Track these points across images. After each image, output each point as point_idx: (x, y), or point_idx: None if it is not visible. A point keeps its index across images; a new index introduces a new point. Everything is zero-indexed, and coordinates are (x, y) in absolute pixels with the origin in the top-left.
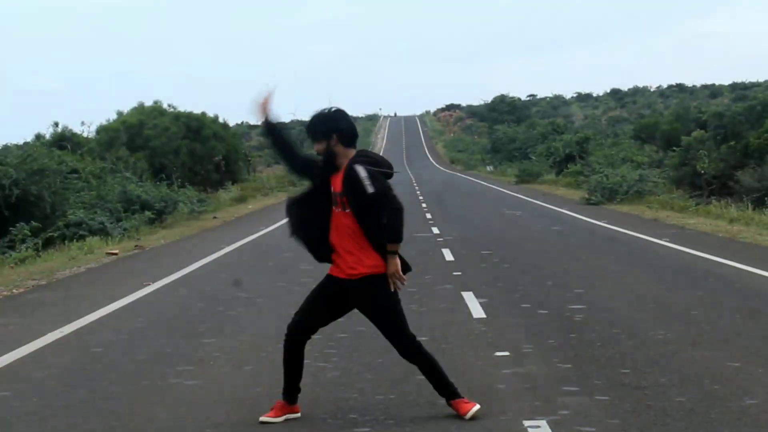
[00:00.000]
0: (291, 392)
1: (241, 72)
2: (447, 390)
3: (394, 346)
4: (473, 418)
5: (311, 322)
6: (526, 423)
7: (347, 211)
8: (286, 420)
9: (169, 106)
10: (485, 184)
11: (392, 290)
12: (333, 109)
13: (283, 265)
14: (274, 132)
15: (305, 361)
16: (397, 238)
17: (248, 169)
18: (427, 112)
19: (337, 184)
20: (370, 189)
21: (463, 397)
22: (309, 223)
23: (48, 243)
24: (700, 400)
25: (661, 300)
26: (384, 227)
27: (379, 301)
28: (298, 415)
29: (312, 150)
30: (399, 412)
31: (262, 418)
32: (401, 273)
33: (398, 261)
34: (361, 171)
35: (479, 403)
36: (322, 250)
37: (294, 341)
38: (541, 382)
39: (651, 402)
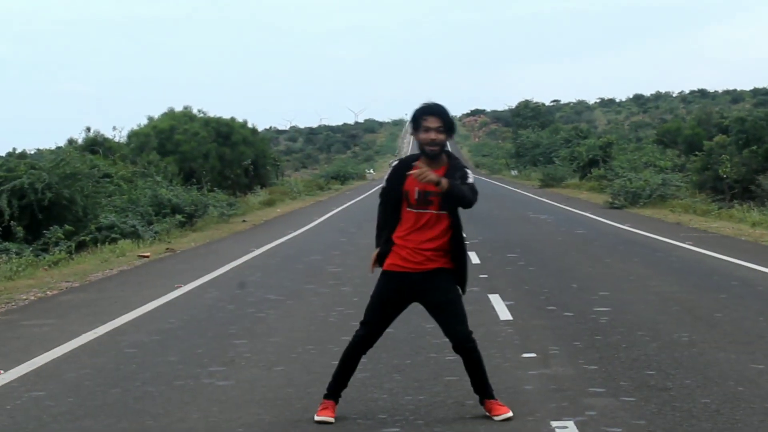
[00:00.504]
0: (338, 392)
1: (269, 78)
2: (485, 389)
3: (452, 336)
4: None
5: (381, 328)
6: (554, 424)
7: (432, 212)
8: (316, 420)
9: (198, 111)
10: (510, 188)
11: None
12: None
13: (311, 267)
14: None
15: (333, 362)
16: (459, 191)
17: (276, 173)
18: (453, 117)
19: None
20: (471, 179)
21: (497, 399)
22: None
23: (81, 246)
24: (725, 402)
25: (684, 302)
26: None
27: (445, 293)
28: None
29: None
30: (427, 413)
31: (318, 417)
32: (431, 178)
33: (443, 182)
34: (469, 168)
35: (508, 404)
36: (388, 245)
37: (362, 350)
38: (568, 383)
39: (676, 403)
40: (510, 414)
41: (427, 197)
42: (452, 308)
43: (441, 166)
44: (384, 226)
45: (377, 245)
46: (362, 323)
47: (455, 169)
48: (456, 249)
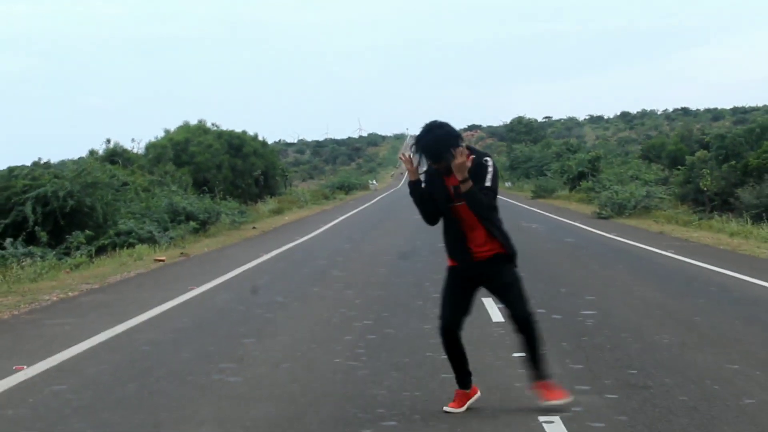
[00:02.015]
0: (464, 379)
1: (279, 94)
2: (538, 370)
3: (517, 315)
4: (551, 409)
5: (458, 314)
6: (541, 419)
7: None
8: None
9: (212, 124)
10: (504, 198)
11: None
12: (438, 125)
13: (317, 272)
14: (419, 189)
15: (336, 360)
16: (479, 197)
17: (285, 183)
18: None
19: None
20: (489, 183)
21: (551, 381)
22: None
23: (100, 250)
24: (702, 400)
25: (666, 307)
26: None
27: (507, 275)
28: (478, 395)
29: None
30: (424, 408)
31: (446, 408)
32: (464, 172)
33: (468, 184)
34: (491, 164)
35: (498, 400)
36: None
37: (451, 337)
38: (555, 381)
39: (656, 400)
40: (566, 399)
41: (458, 190)
42: (512, 289)
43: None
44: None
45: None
46: (439, 317)
47: (478, 166)
48: (498, 232)
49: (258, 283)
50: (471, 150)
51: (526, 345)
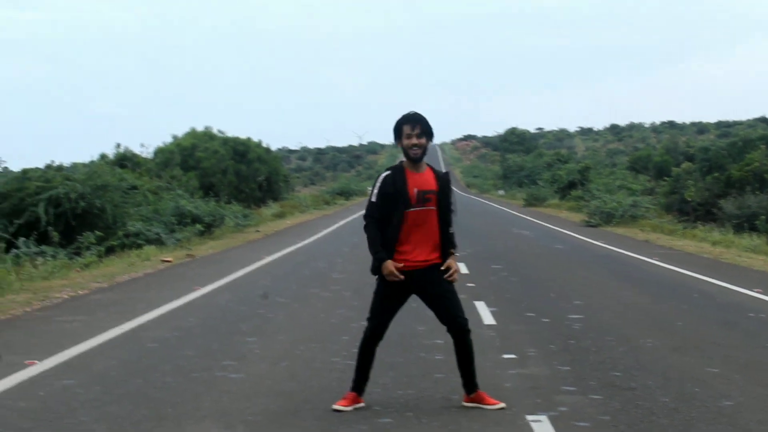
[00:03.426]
0: (361, 385)
1: (282, 102)
2: (472, 379)
3: (451, 322)
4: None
5: (386, 321)
6: (529, 417)
7: (432, 208)
8: (332, 409)
9: (218, 131)
10: (497, 206)
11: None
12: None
13: (317, 273)
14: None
15: (334, 359)
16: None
17: (287, 188)
18: (447, 142)
19: (424, 182)
20: (452, 198)
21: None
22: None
23: (110, 250)
24: (682, 401)
25: (649, 311)
26: (451, 236)
27: (444, 284)
28: (363, 404)
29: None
30: (417, 405)
31: (335, 406)
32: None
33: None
34: (452, 180)
35: None
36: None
37: (375, 343)
38: (543, 382)
39: (639, 401)
40: (503, 405)
41: (425, 195)
42: (450, 297)
43: (423, 170)
44: (382, 232)
45: (377, 252)
46: (368, 319)
47: (443, 180)
48: (445, 242)
49: (259, 284)
50: (430, 167)
51: (461, 353)
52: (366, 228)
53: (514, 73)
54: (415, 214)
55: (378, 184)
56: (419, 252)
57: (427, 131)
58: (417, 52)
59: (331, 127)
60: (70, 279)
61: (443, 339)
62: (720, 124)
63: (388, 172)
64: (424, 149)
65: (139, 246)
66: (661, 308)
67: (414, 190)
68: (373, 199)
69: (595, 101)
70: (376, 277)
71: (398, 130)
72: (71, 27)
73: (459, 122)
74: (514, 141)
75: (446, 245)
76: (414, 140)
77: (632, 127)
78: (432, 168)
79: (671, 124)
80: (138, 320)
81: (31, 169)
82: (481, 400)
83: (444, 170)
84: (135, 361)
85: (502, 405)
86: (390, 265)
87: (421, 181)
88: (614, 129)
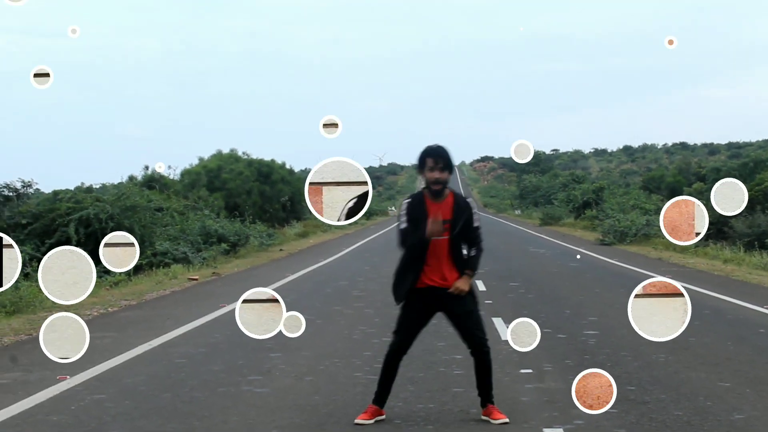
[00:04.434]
0: (384, 399)
1: (305, 125)
2: (488, 393)
3: (471, 341)
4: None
5: (411, 337)
6: (546, 431)
7: (443, 237)
8: (355, 423)
9: (243, 153)
10: (513, 225)
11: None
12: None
13: (339, 291)
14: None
15: (356, 374)
16: (477, 268)
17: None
18: (465, 163)
19: (442, 212)
20: (477, 223)
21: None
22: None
23: (138, 269)
24: (695, 415)
25: None
26: (469, 258)
27: (467, 304)
28: (384, 417)
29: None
30: (437, 419)
31: (357, 421)
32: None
33: (468, 281)
34: (475, 206)
35: (506, 413)
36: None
37: (398, 359)
38: (559, 396)
39: (653, 415)
40: (506, 420)
41: (442, 226)
42: (472, 317)
43: (443, 199)
44: (410, 264)
45: (416, 236)
46: (395, 332)
47: (461, 209)
48: (460, 264)
49: (285, 301)
50: (453, 192)
51: (480, 370)
52: (403, 249)
53: (530, 96)
54: (432, 242)
55: (404, 211)
56: (435, 275)
57: (449, 165)
58: (436, 76)
59: (352, 149)
60: (100, 297)
61: (462, 354)
62: (731, 145)
63: (409, 200)
64: (444, 183)
65: (167, 265)
66: None
67: (430, 221)
68: (403, 226)
69: (608, 123)
70: (401, 304)
71: (422, 161)
72: (101, 54)
73: (477, 143)
74: (530, 162)
75: (461, 267)
76: (437, 174)
77: (645, 149)
78: (455, 194)
79: (683, 146)
80: (166, 336)
81: (62, 191)
82: (489, 414)
83: (465, 196)
84: (164, 376)
85: (506, 420)
86: (430, 223)
87: (439, 211)
88: (627, 150)
